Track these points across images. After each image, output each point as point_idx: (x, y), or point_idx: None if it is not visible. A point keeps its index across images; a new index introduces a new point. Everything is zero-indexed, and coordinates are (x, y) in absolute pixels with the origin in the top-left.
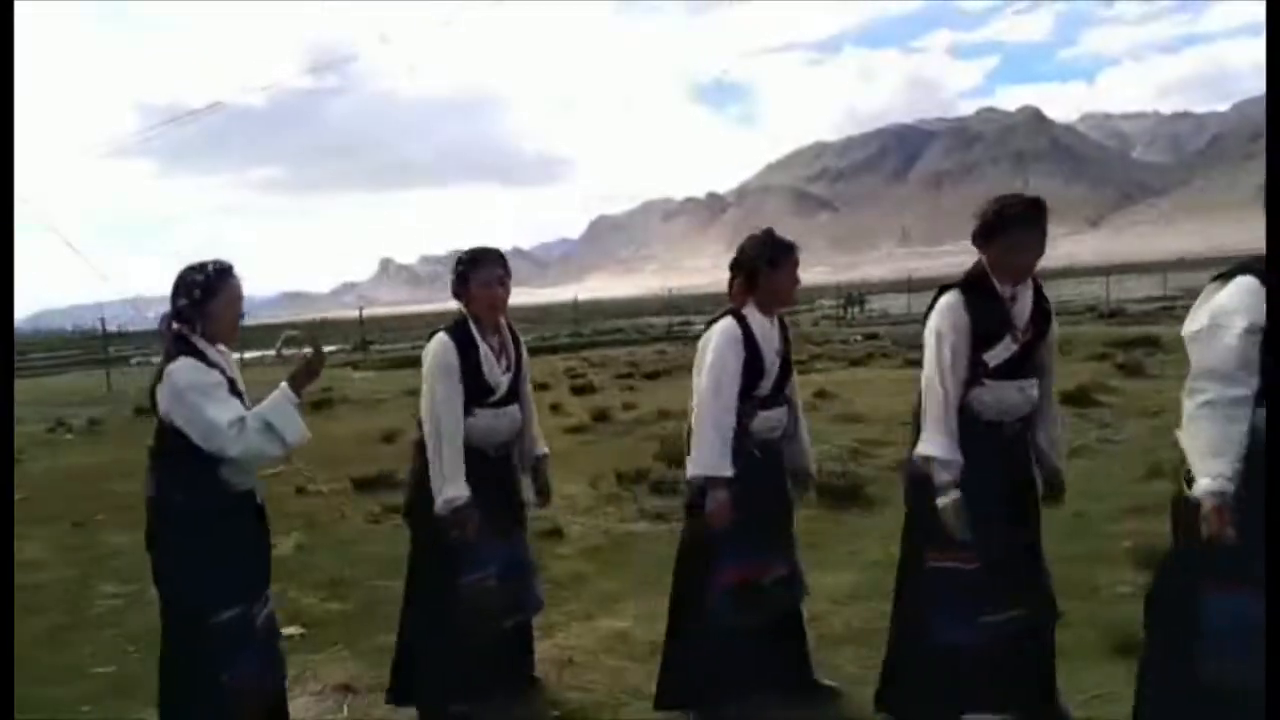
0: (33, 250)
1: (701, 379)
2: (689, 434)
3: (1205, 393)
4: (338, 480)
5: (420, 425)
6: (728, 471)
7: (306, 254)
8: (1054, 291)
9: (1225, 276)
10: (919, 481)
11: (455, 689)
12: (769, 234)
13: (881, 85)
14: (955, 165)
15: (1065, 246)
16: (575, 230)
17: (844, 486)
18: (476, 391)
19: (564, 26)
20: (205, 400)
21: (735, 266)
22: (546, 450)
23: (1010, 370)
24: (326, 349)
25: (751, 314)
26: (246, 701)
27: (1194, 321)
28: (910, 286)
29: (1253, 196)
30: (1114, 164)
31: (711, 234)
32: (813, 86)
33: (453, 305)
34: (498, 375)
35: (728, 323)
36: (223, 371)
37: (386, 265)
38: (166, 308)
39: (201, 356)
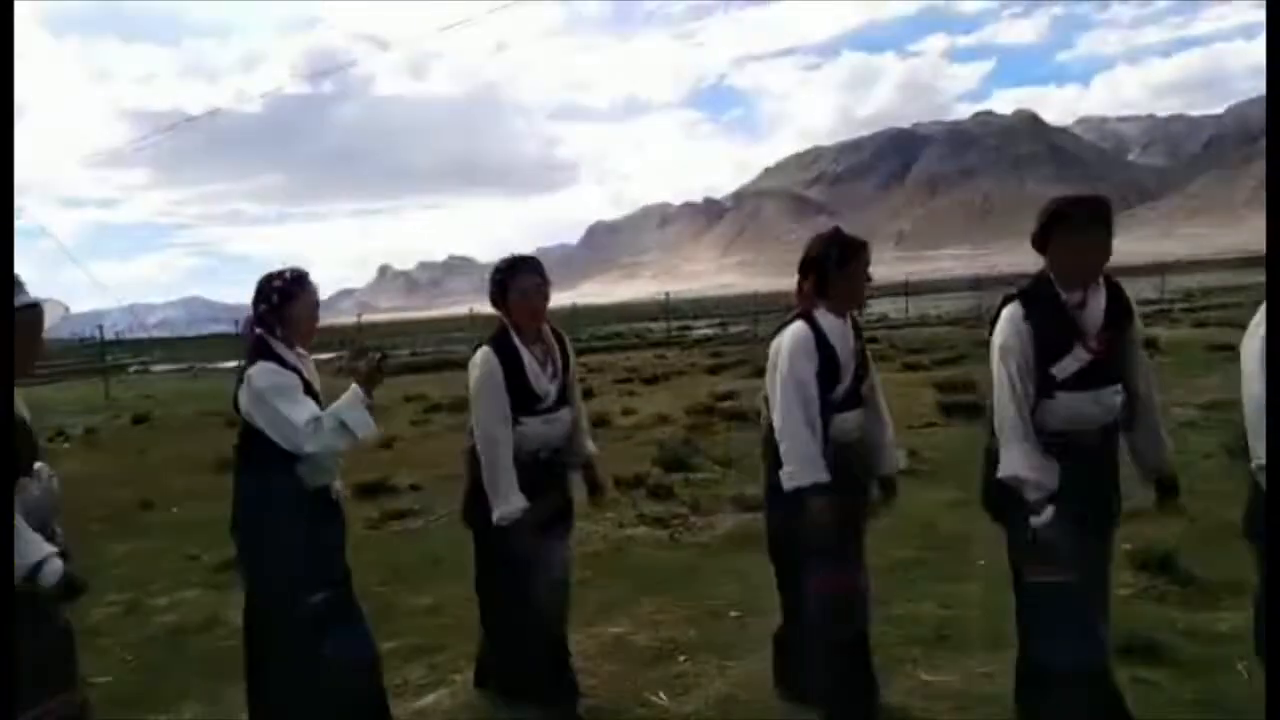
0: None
1: (777, 387)
2: (766, 443)
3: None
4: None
5: (471, 433)
6: (825, 477)
7: (304, 261)
8: None
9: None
10: (1008, 498)
11: (530, 690)
12: (836, 232)
13: (877, 89)
14: (952, 169)
15: None
16: (573, 235)
17: None
18: (524, 401)
19: (562, 32)
20: (283, 401)
21: (804, 267)
22: (595, 449)
23: (1084, 381)
24: (323, 356)
25: (823, 315)
26: (347, 675)
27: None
28: (907, 290)
29: (1249, 199)
30: (1110, 167)
31: (709, 239)
32: (809, 91)
33: (451, 312)
34: (544, 384)
35: (799, 326)
36: (299, 373)
37: (384, 272)
38: (164, 315)
39: (279, 359)
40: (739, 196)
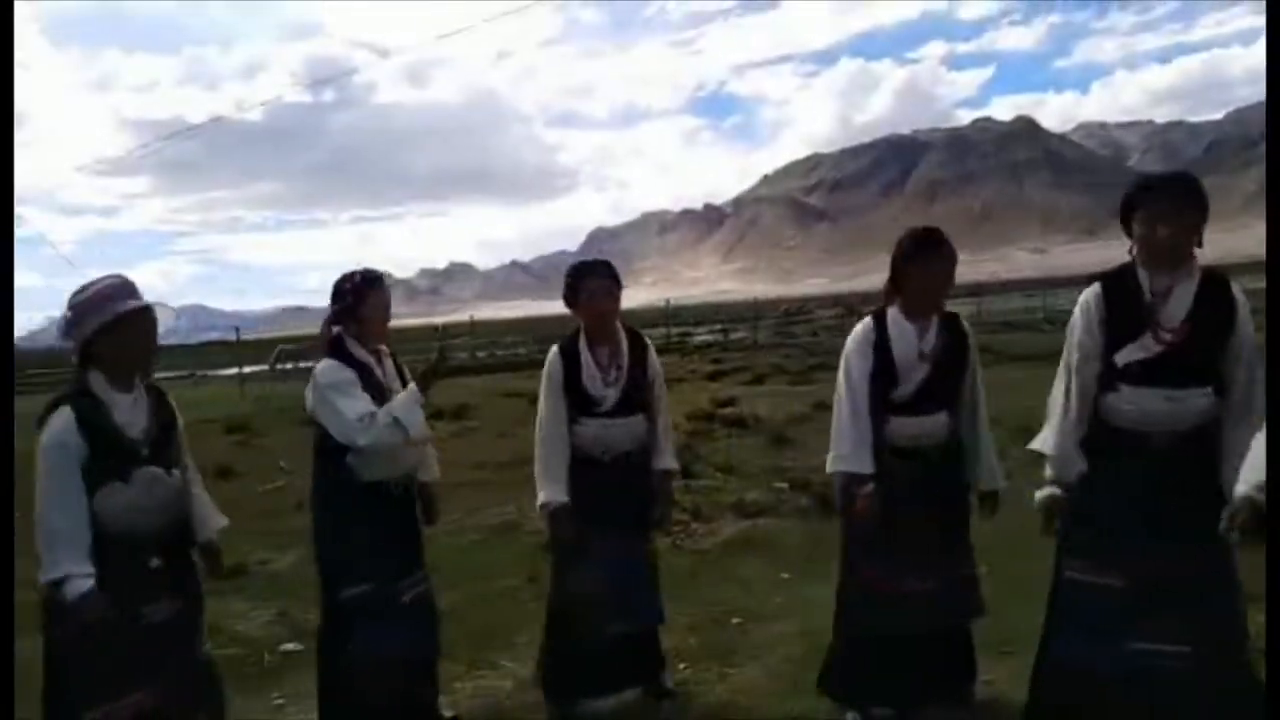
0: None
1: (838, 379)
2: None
3: None
4: None
5: None
6: (864, 469)
7: (305, 269)
8: (1053, 301)
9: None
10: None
11: (566, 684)
12: (913, 230)
13: (877, 96)
14: (951, 175)
15: (1062, 256)
16: (573, 242)
17: None
18: (580, 403)
19: (561, 40)
20: (339, 396)
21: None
22: (673, 466)
23: (1153, 375)
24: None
25: (893, 315)
26: (376, 670)
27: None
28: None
29: (1249, 204)
30: (1110, 173)
31: (709, 246)
32: (809, 98)
33: (454, 319)
34: (600, 388)
35: (864, 323)
36: (368, 370)
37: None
38: (165, 323)
39: (348, 357)
40: (739, 203)
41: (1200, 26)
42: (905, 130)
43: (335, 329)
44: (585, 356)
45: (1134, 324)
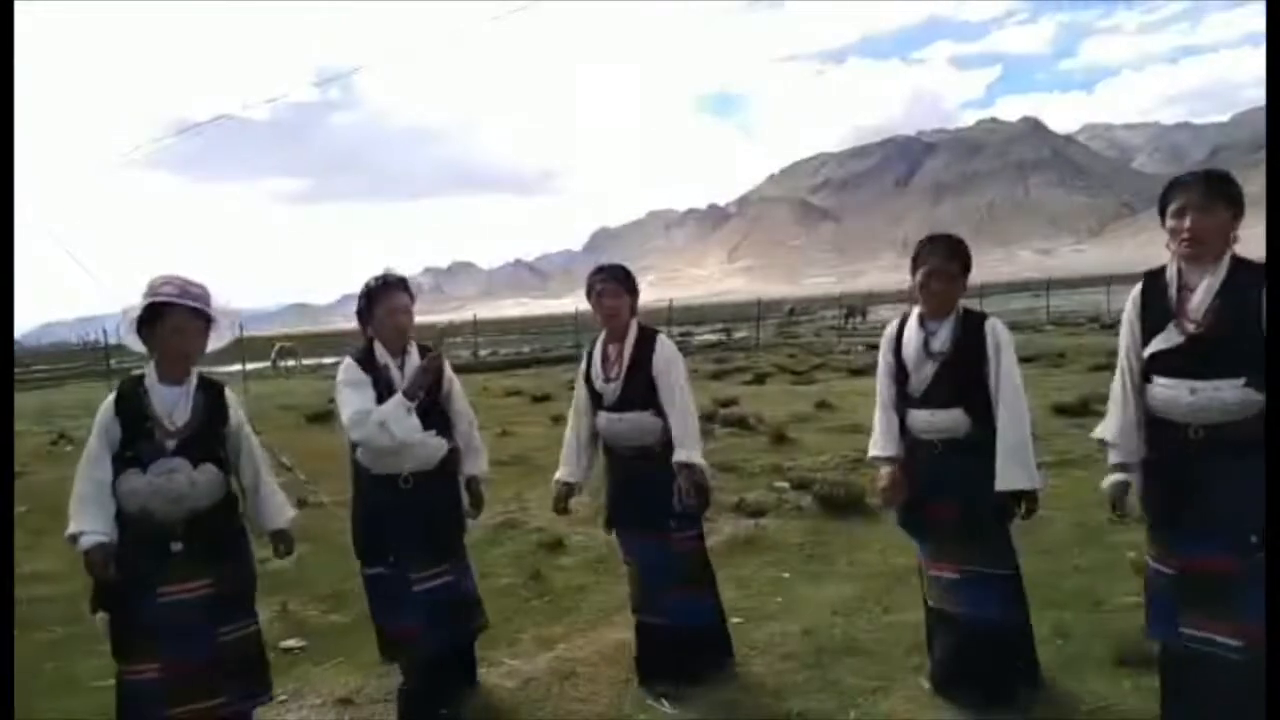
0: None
1: None
2: None
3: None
4: (339, 492)
5: None
6: (882, 451)
7: (309, 266)
8: (1054, 302)
9: None
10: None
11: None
12: (931, 236)
13: (883, 96)
14: (956, 176)
15: (1066, 257)
16: (577, 242)
17: (844, 497)
18: (593, 395)
19: (565, 38)
20: (344, 393)
21: None
22: (691, 460)
23: (1180, 367)
24: (328, 361)
25: (914, 315)
26: (401, 647)
27: None
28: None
29: (1254, 206)
30: (1115, 174)
31: (713, 245)
32: (814, 97)
33: (455, 318)
34: (600, 383)
35: (892, 323)
36: (384, 369)
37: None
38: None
39: (366, 355)
40: (743, 202)
41: (1207, 28)
42: (911, 130)
43: (367, 331)
44: (596, 352)
45: (1164, 316)
